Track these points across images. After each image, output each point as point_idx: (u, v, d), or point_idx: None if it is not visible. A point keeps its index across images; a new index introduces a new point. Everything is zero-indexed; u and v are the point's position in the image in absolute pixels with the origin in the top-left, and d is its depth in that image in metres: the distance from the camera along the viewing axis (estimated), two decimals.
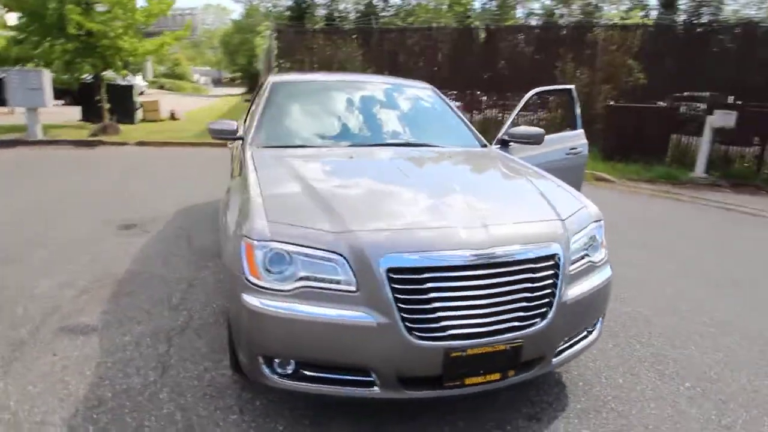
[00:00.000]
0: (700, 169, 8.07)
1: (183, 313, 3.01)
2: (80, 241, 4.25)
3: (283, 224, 1.85)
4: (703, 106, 9.86)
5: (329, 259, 1.75)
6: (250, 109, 4.33)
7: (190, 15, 38.90)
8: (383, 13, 40.66)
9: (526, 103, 4.05)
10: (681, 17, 36.10)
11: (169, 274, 3.61)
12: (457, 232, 1.82)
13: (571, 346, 2.09)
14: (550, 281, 1.88)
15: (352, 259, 1.73)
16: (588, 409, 2.20)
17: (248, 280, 1.81)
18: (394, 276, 1.71)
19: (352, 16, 41.34)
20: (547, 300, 1.87)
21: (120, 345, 2.63)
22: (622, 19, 28.65)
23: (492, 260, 1.78)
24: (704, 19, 36.21)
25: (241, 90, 38.97)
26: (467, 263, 1.76)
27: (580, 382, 2.40)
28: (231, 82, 50.99)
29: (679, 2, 38.79)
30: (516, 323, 1.81)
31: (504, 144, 3.43)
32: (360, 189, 2.23)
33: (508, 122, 3.65)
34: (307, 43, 11.69)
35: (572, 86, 4.06)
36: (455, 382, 1.79)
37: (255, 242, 1.81)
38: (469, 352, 1.75)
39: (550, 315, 1.87)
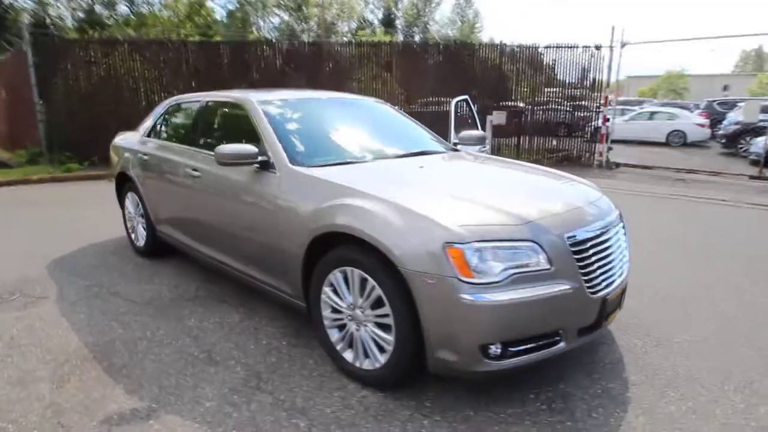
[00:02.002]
0: None
1: (235, 367, 2.67)
2: None
3: (472, 226, 2.06)
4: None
5: (524, 248, 2.07)
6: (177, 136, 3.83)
7: None
8: (108, 22, 35.96)
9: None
10: (400, 35, 42.84)
11: (150, 334, 3.01)
12: (587, 211, 2.37)
13: None
14: (625, 235, 2.61)
15: (543, 243, 2.09)
16: (630, 325, 3.04)
17: (462, 280, 1.98)
18: (574, 249, 2.16)
19: (70, 23, 35.30)
20: (626, 249, 2.59)
21: (246, 406, 2.25)
22: (370, 36, 32.61)
23: (609, 227, 2.40)
24: (417, 38, 43.75)
25: None
26: (601, 231, 2.33)
27: None
28: None
29: (396, 22, 45.86)
30: (623, 270, 2.47)
31: (455, 147, 4.04)
32: (479, 189, 2.52)
33: (451, 129, 4.27)
34: (81, 56, 9.84)
35: (466, 96, 4.95)
36: (602, 321, 2.34)
37: (462, 246, 1.99)
38: (612, 296, 2.33)
39: (629, 260, 2.60)
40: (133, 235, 4.52)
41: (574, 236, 2.19)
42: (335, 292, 2.45)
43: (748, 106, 11.07)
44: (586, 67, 10.55)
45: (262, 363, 2.67)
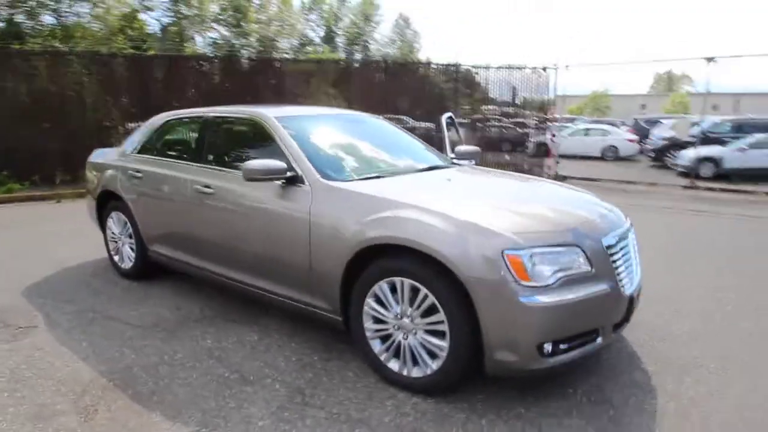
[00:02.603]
0: None
1: (273, 386, 2.63)
2: None
3: (524, 233, 2.21)
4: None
5: (570, 252, 2.24)
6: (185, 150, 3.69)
7: None
8: (31, 33, 33.64)
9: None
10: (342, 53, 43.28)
11: (168, 358, 2.88)
12: (610, 217, 2.58)
13: None
14: (635, 241, 2.85)
15: (585, 247, 2.27)
16: None
17: (520, 284, 2.10)
18: (608, 252, 2.35)
19: None
20: (638, 253, 2.83)
21: (301, 422, 2.21)
22: (318, 54, 32.72)
23: (627, 232, 2.63)
24: (358, 56, 44.40)
25: None
26: (622, 236, 2.54)
27: None
28: None
29: (336, 40, 46.31)
30: (638, 270, 2.71)
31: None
32: (512, 200, 2.68)
33: (447, 145, 4.46)
34: (19, 68, 9.18)
35: (451, 113, 5.17)
36: (629, 317, 2.55)
37: (519, 252, 2.12)
38: (636, 294, 2.55)
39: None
40: (116, 257, 4.29)
41: (610, 240, 2.39)
42: (380, 303, 2.49)
43: (679, 123, 12.28)
44: (534, 86, 11.24)
45: (300, 379, 2.64)
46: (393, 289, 2.44)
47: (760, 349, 2.99)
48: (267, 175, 2.77)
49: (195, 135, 3.59)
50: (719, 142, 12.75)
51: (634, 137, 17.25)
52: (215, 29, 42.82)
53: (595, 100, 44.06)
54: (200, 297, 3.80)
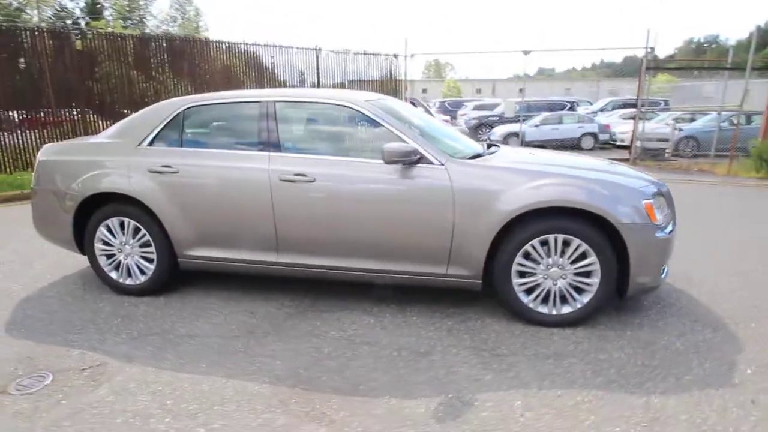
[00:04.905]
0: None
1: (451, 351, 2.84)
2: None
3: (644, 187, 2.96)
4: None
5: (661, 199, 3.08)
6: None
7: None
8: None
9: None
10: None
11: (317, 357, 2.80)
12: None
13: None
14: None
15: (665, 195, 3.13)
16: None
17: (654, 224, 2.86)
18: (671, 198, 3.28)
19: None
20: None
21: (519, 367, 2.51)
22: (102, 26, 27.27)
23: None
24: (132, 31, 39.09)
25: None
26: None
27: None
28: None
29: (105, 13, 40.02)
30: None
31: None
32: (598, 167, 3.32)
33: None
34: None
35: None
36: None
37: (651, 200, 2.87)
38: None
39: None
40: (114, 274, 3.57)
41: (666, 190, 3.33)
42: (528, 258, 2.95)
43: (506, 104, 14.81)
44: (389, 71, 12.21)
45: (465, 341, 2.89)
46: (542, 244, 2.92)
47: (725, 259, 4.38)
48: (403, 158, 2.89)
49: (253, 122, 3.26)
50: (513, 120, 15.89)
51: (447, 118, 20.00)
52: None
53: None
54: (261, 297, 3.55)
